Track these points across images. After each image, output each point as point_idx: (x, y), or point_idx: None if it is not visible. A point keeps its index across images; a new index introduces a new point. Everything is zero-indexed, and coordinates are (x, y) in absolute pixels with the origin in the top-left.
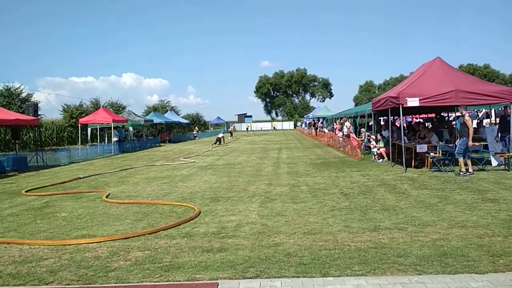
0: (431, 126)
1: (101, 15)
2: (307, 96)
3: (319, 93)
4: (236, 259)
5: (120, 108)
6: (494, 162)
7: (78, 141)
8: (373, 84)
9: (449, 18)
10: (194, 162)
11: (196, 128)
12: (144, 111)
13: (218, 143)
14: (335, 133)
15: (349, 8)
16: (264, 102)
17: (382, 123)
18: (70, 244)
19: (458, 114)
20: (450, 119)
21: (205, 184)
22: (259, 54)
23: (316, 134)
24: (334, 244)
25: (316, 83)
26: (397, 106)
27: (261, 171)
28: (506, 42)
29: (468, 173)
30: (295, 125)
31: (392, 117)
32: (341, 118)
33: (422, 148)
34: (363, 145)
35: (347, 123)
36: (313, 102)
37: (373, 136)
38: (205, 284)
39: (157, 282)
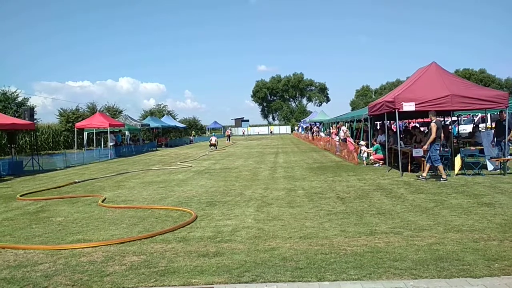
0: (427, 130)
1: (98, 19)
2: (304, 101)
3: (316, 97)
4: (232, 263)
5: (117, 113)
6: (490, 167)
7: (74, 146)
8: (370, 89)
9: (445, 23)
10: (191, 166)
11: (193, 132)
12: (141, 115)
13: (213, 147)
14: (332, 137)
15: (346, 13)
16: (261, 107)
17: (378, 127)
18: (65, 249)
19: (454, 118)
20: (446, 123)
21: (201, 188)
22: (256, 59)
23: (312, 138)
24: (330, 248)
25: (313, 88)
26: (393, 110)
27: (257, 176)
28: (502, 47)
29: (443, 180)
30: (292, 129)
31: (388, 121)
32: (337, 123)
33: (418, 152)
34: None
35: (344, 127)
36: (310, 106)
37: (362, 142)
38: None
39: (152, 286)
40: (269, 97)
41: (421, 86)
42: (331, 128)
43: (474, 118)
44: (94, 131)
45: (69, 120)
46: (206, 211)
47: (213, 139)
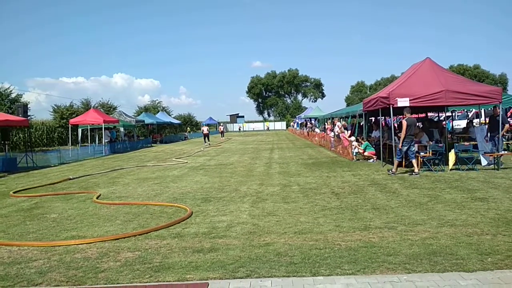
0: (421, 126)
1: (92, 16)
2: (299, 97)
3: (311, 93)
4: (226, 259)
5: (111, 109)
6: (484, 162)
7: (69, 142)
8: (365, 85)
9: (439, 19)
10: (186, 162)
11: (188, 128)
12: (136, 111)
13: (207, 140)
14: (327, 133)
15: (341, 9)
16: (256, 103)
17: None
18: (59, 245)
19: (448, 114)
20: (441, 119)
21: (196, 184)
22: (251, 55)
23: (308, 134)
24: (324, 243)
25: (308, 84)
26: (388, 106)
27: (252, 171)
28: (495, 43)
29: (414, 173)
30: (287, 125)
31: (383, 117)
32: (332, 118)
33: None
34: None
35: (339, 123)
36: (305, 102)
37: (352, 138)
38: (195, 284)
39: (147, 282)
40: (264, 93)
41: (415, 81)
42: (326, 124)
43: (468, 113)
44: (89, 128)
45: (63, 117)
46: (201, 207)
47: (205, 129)
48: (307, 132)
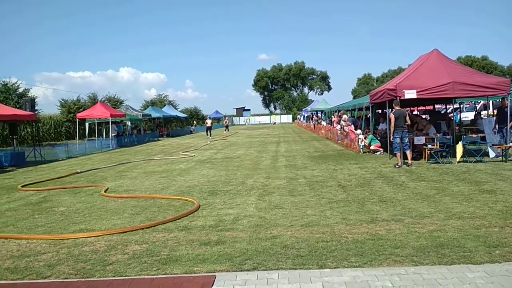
0: (429, 118)
1: (98, 10)
2: (306, 89)
3: (317, 86)
4: (233, 251)
5: (118, 103)
6: (492, 154)
7: (76, 136)
8: (371, 77)
9: (447, 10)
10: (193, 156)
11: (194, 122)
12: (142, 105)
13: (209, 133)
14: (333, 126)
15: (347, 1)
16: (263, 96)
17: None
18: (68, 238)
19: (456, 106)
20: (448, 111)
21: (203, 178)
22: (257, 48)
23: (314, 127)
24: (331, 236)
25: (314, 76)
26: (395, 98)
27: (259, 165)
28: (503, 34)
29: (397, 166)
30: (294, 119)
31: (390, 109)
32: (339, 111)
33: (420, 140)
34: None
35: (345, 116)
36: (312, 95)
37: (359, 131)
38: (202, 277)
39: (154, 275)
40: (270, 86)
41: (422, 73)
42: (332, 116)
43: (476, 105)
44: (96, 122)
45: (70, 111)
46: (208, 200)
47: (208, 122)
48: (314, 125)
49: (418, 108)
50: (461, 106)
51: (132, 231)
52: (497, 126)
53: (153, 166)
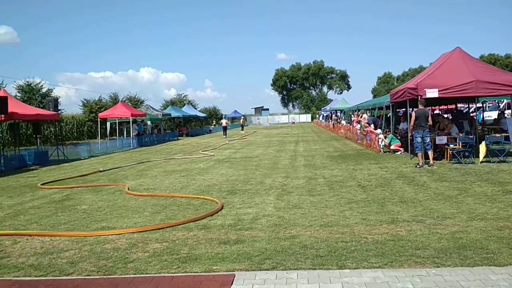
0: (451, 117)
1: (119, 12)
2: (325, 89)
3: (337, 85)
4: (252, 251)
5: (138, 102)
6: None
7: (98, 135)
8: (392, 76)
9: (470, 7)
10: (213, 155)
11: (213, 121)
12: (162, 105)
13: (225, 132)
14: (353, 125)
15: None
16: (281, 95)
17: (400, 114)
18: (90, 236)
19: (479, 105)
20: (470, 110)
21: (222, 177)
22: (275, 47)
23: (333, 126)
24: (351, 236)
25: (334, 75)
26: (416, 97)
27: (277, 164)
28: None
29: (418, 166)
30: (313, 118)
31: (411, 108)
32: (359, 110)
33: (441, 140)
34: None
35: (365, 115)
36: (331, 94)
37: (378, 130)
38: (221, 275)
39: (174, 273)
40: (289, 86)
41: (444, 72)
42: (352, 116)
43: (500, 104)
44: (117, 121)
45: (92, 111)
46: (226, 199)
47: (224, 121)
48: (333, 124)
49: (440, 107)
50: (484, 105)
51: (153, 230)
52: None
53: (173, 165)
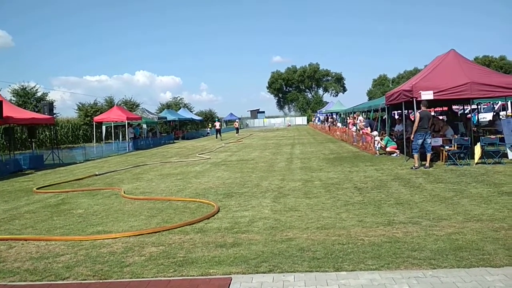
0: (446, 119)
1: (114, 15)
2: (320, 91)
3: (332, 87)
4: (249, 254)
5: (134, 106)
6: (511, 155)
7: (93, 139)
8: (387, 78)
9: (463, 9)
10: (209, 158)
11: (209, 124)
12: (158, 108)
13: (219, 135)
14: (349, 128)
15: (362, 3)
16: (277, 98)
17: (396, 117)
18: (86, 240)
19: (473, 107)
20: (465, 112)
21: (218, 180)
22: (271, 50)
23: (329, 129)
24: (347, 238)
25: (329, 78)
26: (411, 99)
27: (274, 167)
28: None
29: (414, 168)
30: (308, 120)
31: (406, 111)
32: (354, 113)
33: (437, 141)
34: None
35: (360, 117)
36: (326, 96)
37: (374, 133)
38: (218, 279)
39: (171, 277)
40: (284, 88)
41: (439, 74)
42: (348, 118)
43: (495, 106)
44: (112, 125)
45: (87, 114)
46: (223, 202)
47: (217, 124)
48: (329, 126)
49: (435, 109)
50: (479, 107)
51: (158, 232)
52: None
53: (169, 168)
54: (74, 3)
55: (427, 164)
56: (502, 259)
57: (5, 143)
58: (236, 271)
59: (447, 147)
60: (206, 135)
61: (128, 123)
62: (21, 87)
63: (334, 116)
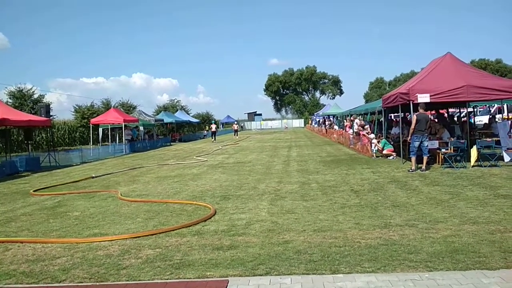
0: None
1: (110, 17)
2: (317, 94)
3: (329, 90)
4: (246, 256)
5: (131, 108)
6: (507, 158)
7: (90, 141)
8: (384, 81)
9: (460, 12)
10: (206, 160)
11: (206, 127)
12: (155, 110)
13: (214, 137)
14: (346, 130)
15: (358, 4)
16: (274, 100)
17: (393, 119)
18: (82, 242)
19: (470, 109)
20: (462, 114)
21: (215, 182)
22: (268, 52)
23: (326, 131)
24: (344, 241)
25: (326, 81)
26: (408, 102)
27: (271, 169)
28: None
29: (410, 171)
30: (305, 123)
31: (403, 113)
32: (351, 115)
33: (433, 144)
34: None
35: (357, 120)
36: (323, 99)
37: (371, 135)
38: (215, 281)
39: (167, 279)
40: (281, 91)
41: (436, 77)
42: (344, 121)
43: (491, 109)
44: (109, 127)
45: (84, 116)
46: (220, 205)
47: (213, 126)
48: (326, 129)
49: (432, 112)
50: (475, 109)
51: (155, 234)
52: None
53: (166, 171)
54: (71, 6)
55: (424, 167)
56: (498, 261)
57: (1, 145)
58: (233, 274)
59: (443, 150)
60: (203, 138)
61: (125, 125)
62: (18, 89)
63: (331, 118)
